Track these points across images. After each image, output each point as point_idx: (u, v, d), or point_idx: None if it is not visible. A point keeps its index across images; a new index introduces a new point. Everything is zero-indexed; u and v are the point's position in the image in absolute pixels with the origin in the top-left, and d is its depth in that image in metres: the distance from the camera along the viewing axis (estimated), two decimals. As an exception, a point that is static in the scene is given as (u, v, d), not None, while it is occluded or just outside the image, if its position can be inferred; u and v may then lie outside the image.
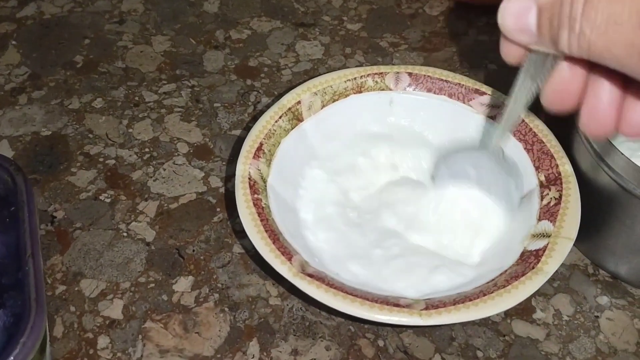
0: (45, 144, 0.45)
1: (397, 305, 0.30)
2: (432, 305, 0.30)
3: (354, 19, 0.56)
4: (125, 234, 0.40)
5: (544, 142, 0.37)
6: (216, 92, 0.49)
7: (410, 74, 0.42)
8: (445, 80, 0.41)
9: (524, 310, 0.36)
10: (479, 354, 0.34)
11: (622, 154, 0.33)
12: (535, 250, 0.33)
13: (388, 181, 0.40)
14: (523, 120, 0.38)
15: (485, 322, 0.36)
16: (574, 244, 0.33)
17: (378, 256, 0.36)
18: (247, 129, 0.45)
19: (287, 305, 0.36)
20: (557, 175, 0.36)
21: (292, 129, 0.39)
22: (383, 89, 0.42)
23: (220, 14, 0.56)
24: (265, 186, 0.36)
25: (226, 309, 0.36)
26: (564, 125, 0.37)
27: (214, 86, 0.49)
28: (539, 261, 0.32)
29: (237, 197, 0.34)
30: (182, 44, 0.53)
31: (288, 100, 0.40)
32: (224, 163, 0.44)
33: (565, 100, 0.26)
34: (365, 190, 0.39)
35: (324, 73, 0.50)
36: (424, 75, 0.42)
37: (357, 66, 0.51)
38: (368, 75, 0.42)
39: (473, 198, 0.37)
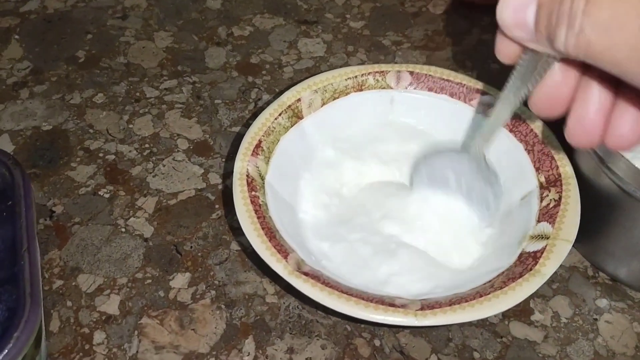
0: (45, 139, 0.45)
1: (392, 305, 0.30)
2: (427, 305, 0.30)
3: (356, 17, 0.55)
4: (123, 230, 0.40)
5: (544, 143, 0.37)
6: (217, 88, 0.49)
7: (411, 73, 0.41)
8: (447, 80, 0.41)
9: (522, 312, 0.36)
10: (476, 355, 0.34)
11: (623, 156, 0.32)
12: (533, 251, 0.32)
13: (385, 181, 0.39)
14: (524, 121, 0.38)
15: (482, 323, 0.35)
16: (573, 246, 0.33)
17: (374, 255, 0.36)
18: (248, 125, 0.45)
19: (284, 303, 0.36)
20: (557, 176, 0.35)
21: (292, 126, 0.39)
22: (384, 88, 0.41)
23: (223, 10, 0.56)
24: (263, 183, 0.36)
25: (222, 306, 0.36)
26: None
27: (215, 83, 0.49)
28: (536, 263, 0.31)
29: (234, 194, 0.34)
30: (185, 40, 0.53)
31: (288, 97, 0.40)
32: (223, 160, 0.44)
33: (554, 106, 0.26)
34: (362, 188, 0.39)
35: (326, 71, 0.50)
36: (425, 74, 0.41)
37: (359, 64, 0.51)
38: (369, 73, 0.41)
39: (449, 204, 0.36)
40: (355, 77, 0.41)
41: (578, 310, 0.36)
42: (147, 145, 0.45)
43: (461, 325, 0.35)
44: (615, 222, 0.35)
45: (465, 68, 0.51)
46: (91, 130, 0.46)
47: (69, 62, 0.50)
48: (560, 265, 0.32)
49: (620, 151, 0.32)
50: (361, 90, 0.41)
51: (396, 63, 0.51)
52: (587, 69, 0.25)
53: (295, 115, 0.39)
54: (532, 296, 0.32)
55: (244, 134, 0.38)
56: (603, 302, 0.37)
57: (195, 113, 0.47)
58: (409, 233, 0.36)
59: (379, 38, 0.54)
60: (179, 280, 0.37)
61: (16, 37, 0.53)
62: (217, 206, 0.41)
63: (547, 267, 0.31)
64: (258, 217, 0.33)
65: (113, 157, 0.44)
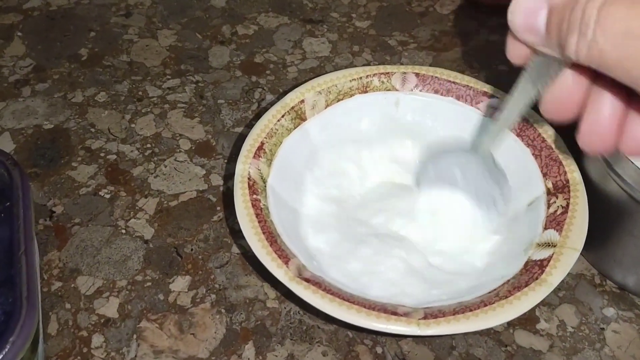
0: (47, 138, 0.44)
1: (394, 313, 0.29)
2: (430, 314, 0.29)
3: (362, 16, 0.55)
4: (123, 231, 0.39)
5: (552, 149, 0.36)
6: (220, 88, 0.48)
7: (417, 75, 0.41)
8: (453, 82, 0.40)
9: (527, 320, 0.35)
10: (479, 364, 0.34)
11: (633, 163, 0.32)
12: (539, 260, 0.32)
13: (389, 182, 0.39)
14: (532, 126, 0.37)
15: (487, 332, 0.35)
16: (580, 254, 0.32)
17: (378, 258, 0.35)
18: (251, 126, 0.44)
19: (285, 308, 0.36)
20: (565, 182, 0.35)
21: (295, 128, 0.39)
22: (389, 90, 0.41)
23: (227, 8, 0.55)
24: (265, 186, 0.35)
25: (223, 311, 0.36)
26: (574, 132, 0.36)
27: (218, 82, 0.49)
28: (543, 272, 0.31)
29: (235, 198, 0.34)
30: (188, 38, 0.52)
31: (291, 99, 0.39)
32: (225, 161, 0.43)
33: (565, 111, 0.25)
34: (366, 192, 0.39)
35: (331, 71, 0.49)
36: (432, 76, 0.41)
37: (364, 65, 0.50)
38: (374, 75, 0.41)
39: (456, 203, 0.36)
40: (360, 78, 0.41)
41: (584, 319, 0.36)
42: (148, 145, 0.44)
43: (465, 333, 0.35)
44: (623, 230, 0.34)
45: (472, 69, 0.50)
46: (93, 130, 0.45)
47: (71, 60, 0.50)
48: (567, 273, 0.32)
49: (634, 157, 0.31)
50: (366, 91, 0.41)
51: (402, 64, 0.51)
52: (599, 74, 0.24)
53: (299, 117, 0.39)
54: (537, 304, 0.32)
55: (246, 135, 0.38)
56: (610, 311, 0.36)
57: (198, 113, 0.46)
58: (414, 236, 0.36)
59: (385, 38, 0.53)
60: (179, 283, 0.37)
61: (19, 34, 0.52)
62: (218, 208, 0.41)
63: (554, 277, 0.30)
64: (259, 221, 0.33)
65: (114, 157, 0.43)
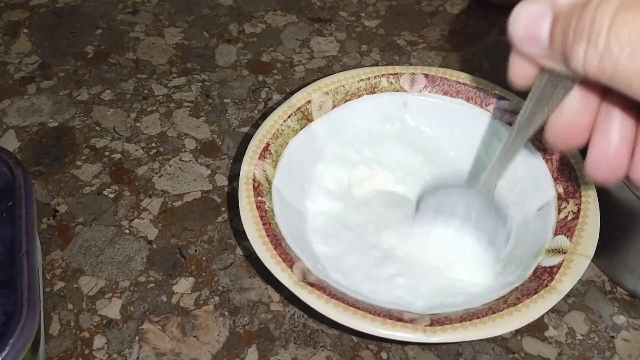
0: (51, 136, 0.44)
1: (400, 319, 0.29)
2: (437, 321, 0.29)
3: (371, 16, 0.54)
4: (127, 231, 0.39)
5: (564, 152, 0.35)
6: (227, 87, 0.48)
7: (426, 76, 0.40)
8: (463, 83, 0.40)
9: (535, 327, 0.35)
10: (486, 371, 0.33)
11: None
12: (549, 266, 0.31)
13: (394, 192, 0.38)
14: (543, 128, 0.37)
15: (494, 338, 0.34)
16: (591, 260, 0.31)
17: (383, 263, 0.34)
18: (257, 126, 0.44)
19: (289, 311, 0.35)
20: (576, 187, 0.34)
21: (301, 129, 0.38)
22: (397, 90, 0.40)
23: (235, 6, 0.55)
24: (270, 188, 0.35)
25: (226, 313, 0.35)
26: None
27: (224, 81, 0.48)
28: (552, 279, 0.30)
29: (240, 200, 0.33)
30: (195, 36, 0.52)
31: (298, 99, 0.38)
32: (231, 161, 0.43)
33: (574, 137, 0.23)
34: (371, 196, 0.38)
35: (338, 70, 0.48)
36: (441, 77, 0.40)
37: (372, 64, 0.50)
38: (382, 75, 0.40)
39: (454, 240, 0.34)
40: (368, 79, 0.40)
41: (594, 327, 0.35)
42: (153, 145, 0.44)
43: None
44: (635, 236, 0.34)
45: (482, 70, 0.49)
46: (98, 128, 0.45)
47: (77, 57, 0.50)
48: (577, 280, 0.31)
49: None
50: (374, 92, 0.40)
51: (411, 64, 0.50)
52: (607, 93, 0.22)
53: (305, 117, 0.38)
54: (546, 311, 0.31)
55: (252, 135, 0.37)
56: (621, 319, 0.35)
57: (204, 112, 0.46)
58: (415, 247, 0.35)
59: (394, 38, 0.52)
60: (182, 285, 0.36)
61: (25, 30, 0.52)
62: (223, 209, 0.40)
63: (564, 284, 0.30)
64: (264, 224, 0.32)
65: (119, 156, 0.43)
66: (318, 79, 0.41)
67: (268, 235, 0.32)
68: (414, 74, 0.40)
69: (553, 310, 0.35)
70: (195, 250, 0.38)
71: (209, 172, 0.42)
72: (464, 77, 0.40)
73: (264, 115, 0.45)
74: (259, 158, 0.35)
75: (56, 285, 0.36)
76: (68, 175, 0.42)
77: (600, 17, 0.19)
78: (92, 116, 0.45)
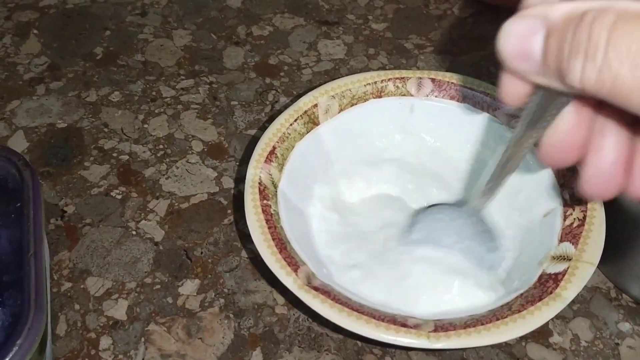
0: (60, 137, 0.45)
1: (404, 325, 0.29)
2: (441, 327, 0.29)
3: (379, 19, 0.54)
4: (134, 233, 0.39)
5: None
6: (234, 89, 0.48)
7: (433, 80, 0.40)
8: (470, 88, 0.40)
9: (540, 334, 0.35)
10: (490, 377, 0.33)
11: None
12: (554, 273, 0.31)
13: (396, 196, 0.38)
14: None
15: (498, 344, 0.34)
16: (596, 267, 0.31)
17: (388, 267, 0.34)
18: (263, 128, 0.44)
19: (294, 315, 0.35)
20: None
21: (308, 132, 0.38)
22: (404, 95, 0.40)
23: (243, 8, 0.55)
24: (276, 192, 0.35)
25: (231, 316, 0.35)
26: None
27: (232, 83, 0.48)
28: (557, 286, 0.30)
29: (245, 203, 0.33)
30: (203, 38, 0.52)
31: (304, 102, 0.39)
32: (237, 163, 0.43)
33: (567, 155, 0.23)
34: (376, 201, 0.38)
35: (345, 74, 0.49)
36: (448, 82, 0.40)
37: (379, 68, 0.50)
38: (389, 79, 0.40)
39: (442, 265, 0.34)
40: (375, 83, 0.40)
41: (599, 334, 0.35)
42: (161, 146, 0.44)
43: (476, 345, 0.34)
44: (641, 243, 0.34)
45: (489, 75, 0.49)
46: (106, 129, 0.45)
47: (86, 58, 0.50)
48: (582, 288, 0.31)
49: None
50: (380, 96, 0.40)
51: (418, 68, 0.50)
52: (600, 109, 0.22)
53: (312, 121, 0.38)
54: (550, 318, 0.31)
55: (259, 137, 0.37)
56: (626, 326, 0.35)
57: (211, 114, 0.46)
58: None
59: (402, 41, 0.52)
60: (188, 286, 0.37)
61: (35, 31, 0.52)
62: (229, 211, 0.40)
63: (569, 291, 0.30)
64: (269, 227, 0.32)
65: (127, 157, 0.43)
66: (325, 82, 0.41)
67: (273, 239, 0.32)
68: (420, 78, 0.40)
69: (558, 316, 0.35)
70: (201, 252, 0.38)
71: (216, 174, 0.42)
72: (470, 81, 0.40)
73: (271, 118, 0.45)
74: (265, 161, 0.36)
75: (63, 285, 0.37)
76: (76, 176, 0.42)
77: (597, 30, 0.18)
78: (100, 117, 0.46)
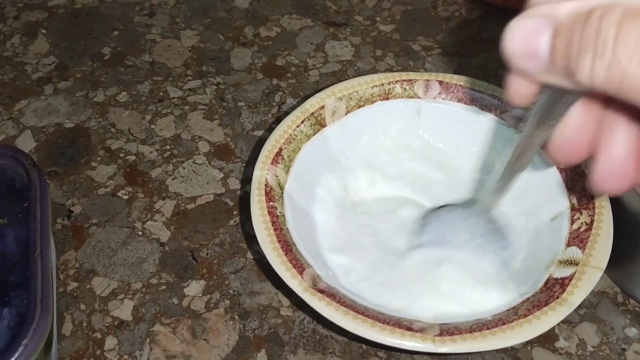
0: (67, 136, 0.45)
1: (409, 328, 0.29)
2: (447, 331, 0.29)
3: (387, 20, 0.54)
4: (140, 233, 0.39)
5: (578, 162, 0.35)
6: (241, 90, 0.48)
7: (440, 83, 0.40)
8: (478, 91, 0.39)
9: (546, 338, 0.35)
10: (496, 381, 0.33)
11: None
12: (561, 278, 0.31)
13: (402, 197, 0.38)
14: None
15: (504, 348, 0.34)
16: (603, 272, 0.31)
17: (394, 269, 0.34)
18: (270, 130, 0.44)
19: (299, 317, 0.35)
20: (590, 198, 0.34)
21: (314, 134, 0.38)
22: (411, 97, 0.40)
23: (250, 9, 0.55)
24: (282, 194, 0.35)
25: (236, 317, 0.35)
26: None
27: (239, 84, 0.48)
28: (564, 291, 0.30)
29: (251, 205, 0.33)
30: (211, 39, 0.52)
31: (311, 104, 0.38)
32: (243, 164, 0.43)
33: (576, 152, 0.23)
34: (382, 204, 0.38)
35: (353, 75, 0.48)
36: (455, 84, 0.40)
37: (387, 69, 0.50)
38: (396, 81, 0.40)
39: (452, 266, 0.34)
40: (382, 85, 0.40)
41: (605, 339, 0.35)
42: (168, 147, 0.44)
43: (481, 349, 0.34)
44: (649, 248, 0.33)
45: (497, 77, 0.49)
46: (113, 130, 0.45)
47: (94, 58, 0.50)
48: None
49: None
50: (387, 99, 0.40)
51: (425, 70, 0.50)
52: (609, 104, 0.22)
53: (318, 123, 0.38)
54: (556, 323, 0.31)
55: (266, 139, 0.37)
56: (633, 332, 0.35)
57: (218, 115, 0.46)
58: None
59: (409, 43, 0.52)
60: (194, 287, 0.37)
61: (43, 31, 0.52)
62: (235, 212, 0.40)
63: (575, 296, 0.29)
64: (275, 229, 0.32)
65: (134, 157, 0.43)
66: (332, 83, 0.41)
67: (279, 241, 0.32)
68: (428, 80, 0.40)
69: (564, 321, 0.35)
70: (207, 253, 0.38)
71: (222, 175, 0.42)
72: (478, 84, 0.40)
73: (278, 120, 0.45)
74: (272, 163, 0.36)
75: (69, 285, 0.37)
76: (83, 176, 0.42)
77: (605, 27, 0.18)
78: (107, 118, 0.46)
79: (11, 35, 0.52)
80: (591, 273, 0.30)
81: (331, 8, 0.55)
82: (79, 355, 0.34)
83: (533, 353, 0.34)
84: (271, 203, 0.34)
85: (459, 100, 0.40)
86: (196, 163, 0.43)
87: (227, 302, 0.36)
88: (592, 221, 0.33)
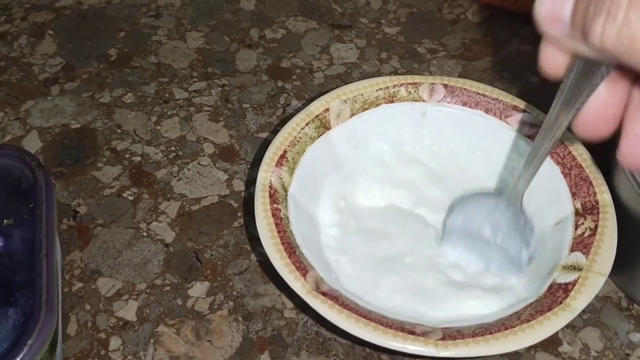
0: (73, 137, 0.45)
1: (412, 332, 0.29)
2: (449, 335, 0.29)
3: (392, 23, 0.54)
4: (145, 234, 0.39)
5: (582, 167, 0.35)
6: (246, 92, 0.48)
7: (445, 86, 0.40)
8: (483, 94, 0.40)
9: (549, 343, 0.34)
10: (498, 385, 0.33)
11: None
12: (564, 283, 0.31)
13: (405, 205, 0.38)
14: (562, 142, 0.36)
15: (507, 353, 0.34)
16: (607, 277, 0.31)
17: (395, 273, 0.34)
18: (275, 132, 0.44)
19: (302, 319, 0.36)
20: (594, 204, 0.34)
21: (319, 137, 0.38)
22: (416, 100, 0.40)
23: (256, 11, 0.55)
24: (286, 196, 0.35)
25: (240, 319, 0.36)
26: (605, 150, 0.35)
27: (244, 86, 0.48)
28: (567, 296, 0.30)
29: (255, 207, 0.33)
30: (216, 41, 0.52)
31: (316, 107, 0.39)
32: (248, 166, 0.43)
33: (603, 126, 0.24)
34: (385, 209, 0.38)
35: (358, 77, 0.49)
36: (460, 88, 0.40)
37: (392, 72, 0.50)
38: (401, 84, 0.40)
39: (478, 265, 0.34)
40: (387, 88, 0.40)
41: (609, 344, 0.35)
42: (173, 148, 0.44)
43: (484, 353, 0.34)
44: (654, 254, 0.33)
45: (502, 80, 0.49)
46: (119, 131, 0.45)
47: (100, 59, 0.50)
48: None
49: None
50: (392, 102, 0.40)
51: (430, 72, 0.50)
52: (637, 79, 0.23)
53: (323, 125, 0.39)
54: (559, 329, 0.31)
55: (270, 141, 0.38)
56: (636, 337, 0.35)
57: (223, 117, 0.46)
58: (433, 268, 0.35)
59: (414, 45, 0.52)
60: (198, 289, 0.37)
61: (50, 32, 0.53)
62: (239, 214, 0.40)
63: (578, 302, 0.30)
64: (279, 232, 0.33)
65: (139, 158, 0.44)
66: (337, 85, 0.41)
67: (283, 243, 0.32)
68: (433, 84, 0.40)
69: (568, 325, 0.35)
70: (211, 255, 0.38)
71: (227, 176, 0.43)
72: (483, 88, 0.40)
73: (283, 121, 0.45)
74: (276, 165, 0.36)
75: (75, 285, 0.37)
76: (89, 176, 0.42)
77: None
78: (113, 119, 0.46)
79: (18, 36, 0.52)
80: (595, 279, 0.30)
81: (336, 10, 0.55)
82: (83, 355, 0.34)
83: (536, 357, 0.34)
84: (275, 205, 0.34)
85: (464, 104, 0.40)
86: (201, 164, 0.43)
87: (231, 303, 0.36)
88: (596, 226, 0.33)
